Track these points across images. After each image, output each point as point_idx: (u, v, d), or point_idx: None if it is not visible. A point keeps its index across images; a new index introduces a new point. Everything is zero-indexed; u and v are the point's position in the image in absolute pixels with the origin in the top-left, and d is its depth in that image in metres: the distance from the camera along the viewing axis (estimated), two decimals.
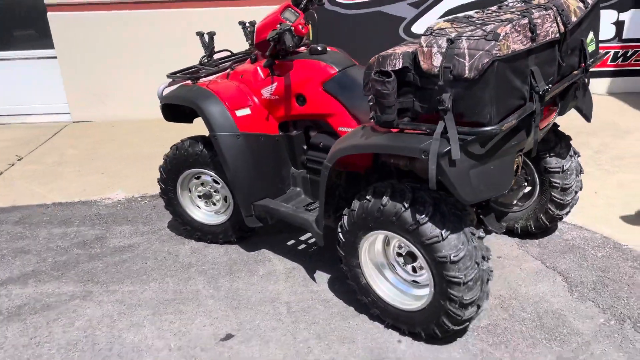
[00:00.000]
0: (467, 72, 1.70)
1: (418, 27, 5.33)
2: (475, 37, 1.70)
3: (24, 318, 2.53)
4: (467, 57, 1.69)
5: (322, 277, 2.72)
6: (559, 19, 1.95)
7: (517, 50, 1.74)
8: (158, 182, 3.12)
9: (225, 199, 3.03)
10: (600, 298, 2.38)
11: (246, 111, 2.78)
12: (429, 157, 1.76)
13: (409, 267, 2.24)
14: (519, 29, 1.75)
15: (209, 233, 3.12)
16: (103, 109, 5.74)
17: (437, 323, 2.08)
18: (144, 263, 2.98)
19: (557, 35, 1.95)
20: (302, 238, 3.12)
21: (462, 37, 1.72)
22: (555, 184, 2.60)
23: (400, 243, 2.19)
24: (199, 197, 3.13)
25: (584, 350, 2.10)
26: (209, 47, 3.15)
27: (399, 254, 2.25)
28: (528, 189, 2.77)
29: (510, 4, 2.14)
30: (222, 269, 2.87)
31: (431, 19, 5.29)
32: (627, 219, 3.00)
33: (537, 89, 1.86)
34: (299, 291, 2.62)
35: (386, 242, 2.27)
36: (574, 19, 2.04)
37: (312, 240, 3.08)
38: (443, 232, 1.92)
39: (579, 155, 2.70)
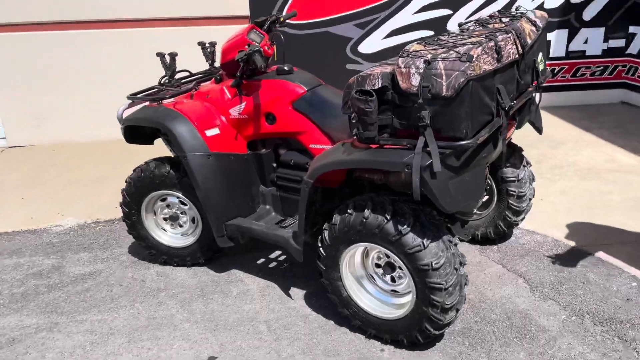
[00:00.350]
0: (444, 90, 1.82)
1: (364, 47, 5.53)
2: (450, 59, 1.83)
3: None
4: (444, 77, 1.82)
5: (298, 293, 2.75)
6: (517, 41, 2.13)
7: (487, 71, 1.89)
8: (121, 205, 3.04)
9: (193, 220, 3.00)
10: (559, 296, 2.57)
11: (215, 131, 2.79)
12: (412, 171, 1.86)
13: (387, 278, 2.33)
14: (487, 51, 1.91)
15: (175, 256, 3.07)
16: (41, 132, 5.49)
17: (419, 329, 2.17)
18: (110, 290, 2.88)
19: (517, 56, 2.13)
20: (272, 256, 3.14)
21: (438, 59, 1.85)
22: (511, 192, 2.80)
23: (379, 254, 2.28)
24: (165, 219, 3.07)
25: (551, 345, 2.26)
26: (170, 68, 3.12)
27: (378, 265, 2.34)
28: (486, 197, 2.95)
29: (471, 28, 2.31)
30: (194, 291, 2.83)
31: (376, 39, 5.51)
32: (572, 223, 3.26)
33: (503, 105, 2.03)
34: (276, 309, 2.63)
35: (365, 254, 2.35)
36: (529, 41, 2.24)
37: (283, 257, 3.11)
38: (424, 241, 2.02)
39: (531, 165, 2.92)
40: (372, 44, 5.54)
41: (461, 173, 2.01)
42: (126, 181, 3.00)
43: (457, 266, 2.09)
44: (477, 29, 2.26)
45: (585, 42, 5.78)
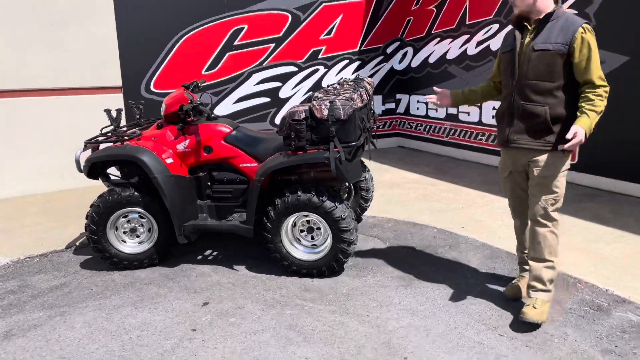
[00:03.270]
0: (342, 116, 3.43)
1: (218, 110, 6.97)
2: (343, 99, 3.47)
3: (21, 335, 3.03)
4: (342, 109, 3.44)
5: (240, 265, 3.95)
6: (366, 93, 3.88)
7: (359, 107, 3.58)
8: (87, 225, 3.85)
9: (149, 230, 3.98)
10: (396, 242, 4.31)
11: (170, 160, 3.91)
12: (330, 161, 3.40)
13: (309, 237, 3.75)
14: (359, 96, 3.60)
15: (135, 260, 3.96)
16: None
17: (335, 260, 3.63)
18: (90, 289, 3.66)
19: (366, 101, 3.88)
20: (207, 253, 4.26)
21: (337, 99, 3.47)
22: (362, 187, 4.53)
23: (303, 223, 3.70)
24: (124, 232, 3.97)
25: (375, 272, 3.94)
26: (116, 120, 4.15)
27: (301, 231, 3.75)
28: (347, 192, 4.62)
29: (344, 84, 4.01)
30: (162, 279, 3.80)
31: (228, 103, 7.01)
32: (391, 209, 5.14)
33: (365, 126, 3.73)
34: (231, 276, 3.79)
35: (293, 225, 3.74)
36: (370, 93, 4.02)
37: (215, 253, 4.26)
38: (336, 203, 3.54)
39: (369, 170, 4.71)
40: (225, 107, 7.03)
41: (352, 161, 3.62)
42: (94, 204, 3.85)
43: (353, 217, 3.65)
44: (344, 86, 3.98)
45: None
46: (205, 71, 6.82)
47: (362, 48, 7.95)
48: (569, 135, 2.72)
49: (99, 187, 6.21)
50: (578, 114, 2.82)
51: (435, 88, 3.53)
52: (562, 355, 2.70)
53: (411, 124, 8.42)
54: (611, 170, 5.52)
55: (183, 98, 3.99)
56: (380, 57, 8.20)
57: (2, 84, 5.78)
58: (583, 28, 2.81)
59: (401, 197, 5.64)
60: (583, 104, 2.82)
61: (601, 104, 2.82)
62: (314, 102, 3.49)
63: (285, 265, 3.75)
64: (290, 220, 3.67)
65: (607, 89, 2.86)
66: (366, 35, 7.96)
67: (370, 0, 7.87)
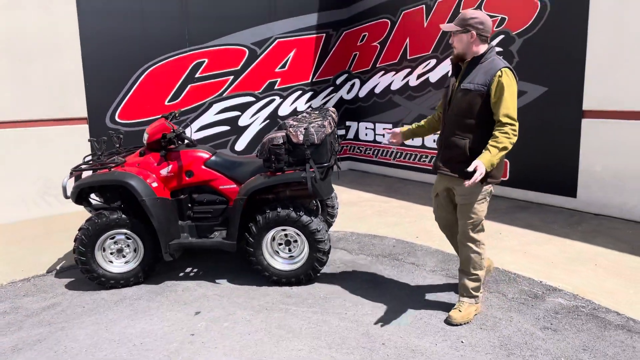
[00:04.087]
0: (316, 140, 3.94)
1: None
2: (316, 126, 3.98)
3: (28, 349, 3.26)
4: (315, 135, 3.94)
5: (222, 279, 4.31)
6: (332, 120, 4.41)
7: (329, 132, 4.10)
8: (76, 247, 4.09)
9: (135, 250, 4.27)
10: (365, 250, 4.82)
11: (155, 184, 4.25)
12: (306, 180, 3.88)
13: (286, 250, 4.18)
14: (329, 123, 4.13)
15: (121, 279, 4.22)
16: None
17: (312, 269, 4.08)
18: (82, 307, 3.90)
19: (333, 127, 4.41)
20: (187, 270, 4.58)
21: (310, 126, 3.97)
22: (329, 205, 5.03)
23: (281, 237, 4.14)
24: (111, 253, 4.24)
25: (372, 267, 4.45)
26: (100, 149, 4.46)
27: (280, 244, 4.18)
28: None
29: (312, 113, 4.53)
30: (150, 294, 4.08)
31: (190, 131, 7.35)
32: (351, 224, 5.66)
33: (334, 149, 4.25)
34: (216, 288, 4.14)
35: (272, 239, 4.16)
36: (335, 121, 4.56)
37: (196, 270, 4.58)
38: (311, 217, 4.01)
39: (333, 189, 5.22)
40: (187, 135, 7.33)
41: (324, 180, 4.12)
42: (83, 227, 4.11)
43: (326, 229, 4.12)
44: (311, 115, 4.50)
45: None
46: (169, 102, 7.16)
47: (313, 80, 8.56)
48: (470, 169, 2.98)
49: (63, 216, 6.40)
50: (483, 150, 3.10)
51: (385, 131, 3.96)
52: (509, 333, 3.28)
53: (361, 148, 9.07)
54: (537, 185, 6.34)
55: (165, 127, 4.36)
56: (331, 88, 8.85)
57: None
58: (501, 72, 3.11)
59: (359, 214, 6.19)
60: (490, 141, 3.09)
61: (506, 141, 3.05)
62: (290, 129, 3.98)
63: (266, 276, 4.15)
64: (270, 234, 4.10)
65: (515, 126, 3.10)
66: (317, 68, 8.59)
67: (320, 36, 8.54)
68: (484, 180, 3.20)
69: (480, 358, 3.00)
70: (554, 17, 5.95)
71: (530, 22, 6.18)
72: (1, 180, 6.12)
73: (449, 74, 3.48)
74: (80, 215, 6.48)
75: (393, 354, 3.07)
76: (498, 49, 6.53)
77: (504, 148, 3.07)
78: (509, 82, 3.12)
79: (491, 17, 6.58)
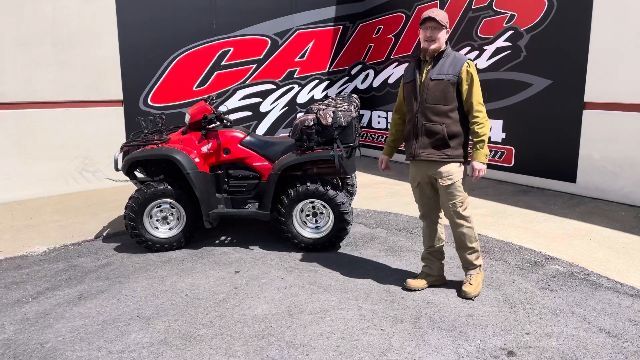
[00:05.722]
0: (343, 123, 4.42)
1: None
2: (343, 110, 4.46)
3: (93, 297, 3.77)
4: (342, 117, 4.42)
5: (254, 245, 4.81)
6: (356, 106, 4.89)
7: (355, 116, 4.57)
8: (127, 214, 4.61)
9: (178, 218, 4.77)
10: (381, 224, 5.32)
11: (197, 159, 4.75)
12: (334, 158, 4.37)
13: (313, 220, 4.68)
14: (354, 108, 4.60)
15: (165, 244, 4.73)
16: None
17: (336, 237, 4.58)
18: (133, 266, 4.41)
19: (357, 114, 4.88)
20: (222, 238, 5.09)
21: (338, 110, 4.45)
22: (349, 183, 5.52)
23: (309, 210, 4.63)
24: (157, 220, 4.74)
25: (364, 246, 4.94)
26: (147, 127, 4.95)
27: (307, 215, 4.68)
28: None
29: (337, 99, 5.00)
30: (192, 257, 4.59)
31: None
32: (368, 202, 6.15)
33: (358, 132, 4.73)
34: (251, 253, 4.64)
35: (301, 210, 4.66)
36: (359, 107, 5.03)
37: (230, 239, 5.09)
38: (337, 191, 4.50)
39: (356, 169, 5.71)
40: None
41: (349, 158, 4.61)
42: (133, 196, 4.61)
43: (349, 202, 4.62)
44: (337, 100, 4.98)
45: None
46: (196, 87, 7.64)
47: (330, 69, 9.03)
48: (475, 175, 3.47)
49: (98, 190, 6.91)
50: (471, 149, 3.50)
51: (381, 169, 3.98)
52: (512, 291, 3.77)
53: (373, 135, 9.55)
54: (540, 171, 6.82)
55: (205, 109, 4.84)
56: (346, 78, 9.31)
57: (14, 96, 6.36)
58: (467, 63, 3.46)
59: (374, 194, 6.69)
60: (473, 139, 3.47)
61: (484, 130, 3.44)
62: (320, 112, 4.46)
63: (295, 243, 4.65)
64: (299, 206, 4.60)
65: (484, 112, 3.47)
66: (334, 58, 9.06)
67: (337, 28, 9.00)
68: (463, 163, 3.59)
69: (487, 309, 3.50)
70: (560, 15, 6.40)
71: (538, 19, 6.62)
72: (44, 156, 6.63)
73: (407, 71, 3.75)
74: (114, 191, 7.01)
75: (411, 305, 3.57)
76: (507, 43, 6.99)
77: (485, 135, 3.47)
78: (475, 72, 3.49)
79: (501, 14, 7.03)
